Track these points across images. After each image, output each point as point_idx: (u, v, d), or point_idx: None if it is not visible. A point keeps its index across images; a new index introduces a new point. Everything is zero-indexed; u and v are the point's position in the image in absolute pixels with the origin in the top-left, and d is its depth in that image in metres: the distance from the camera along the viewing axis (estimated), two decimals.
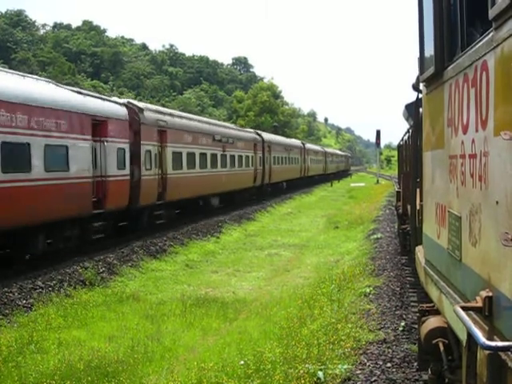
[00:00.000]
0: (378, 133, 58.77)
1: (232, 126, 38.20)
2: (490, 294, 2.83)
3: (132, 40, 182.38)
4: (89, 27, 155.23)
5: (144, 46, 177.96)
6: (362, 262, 14.40)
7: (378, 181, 62.72)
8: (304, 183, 55.15)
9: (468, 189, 3.34)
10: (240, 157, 31.19)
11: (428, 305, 4.86)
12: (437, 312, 4.53)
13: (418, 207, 7.15)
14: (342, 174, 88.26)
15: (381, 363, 7.12)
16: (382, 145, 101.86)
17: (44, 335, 9.39)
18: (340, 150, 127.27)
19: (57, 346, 8.95)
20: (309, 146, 59.99)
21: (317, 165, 62.93)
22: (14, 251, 13.86)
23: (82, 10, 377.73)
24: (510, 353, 2.44)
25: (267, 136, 40.13)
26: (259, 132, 38.82)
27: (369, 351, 7.59)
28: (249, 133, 36.30)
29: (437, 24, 4.19)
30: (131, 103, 19.69)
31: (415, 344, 7.08)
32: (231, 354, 8.14)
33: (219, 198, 28.63)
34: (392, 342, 7.92)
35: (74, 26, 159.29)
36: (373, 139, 70.59)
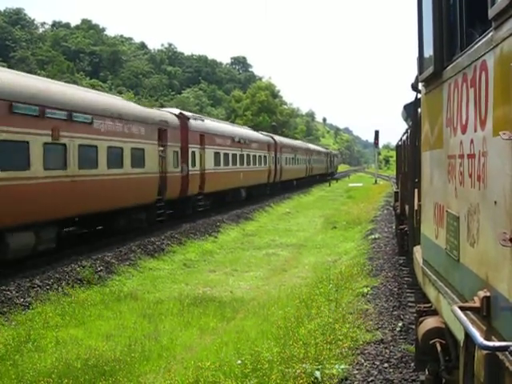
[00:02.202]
0: (377, 133, 58.79)
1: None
2: (488, 294, 2.82)
3: (131, 39, 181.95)
4: (88, 26, 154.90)
5: (143, 45, 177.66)
6: (360, 262, 14.41)
7: (376, 181, 62.75)
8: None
9: (466, 189, 3.33)
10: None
11: (425, 305, 4.86)
12: (434, 312, 4.53)
13: (416, 207, 7.14)
14: (317, 181, 63.51)
15: (378, 363, 7.12)
16: (381, 145, 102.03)
17: (41, 333, 9.38)
18: (338, 149, 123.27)
19: (54, 344, 8.94)
20: (215, 125, 29.68)
21: (250, 169, 34.00)
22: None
23: (80, 8, 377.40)
24: (507, 353, 2.43)
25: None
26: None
27: (366, 351, 7.58)
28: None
29: (436, 24, 4.18)
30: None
31: (412, 344, 7.07)
32: (228, 354, 8.13)
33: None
34: (389, 343, 7.91)
35: (72, 24, 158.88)
36: (371, 139, 70.56)
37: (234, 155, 31.09)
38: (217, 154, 27.80)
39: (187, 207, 24.65)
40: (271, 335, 8.83)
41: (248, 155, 34.01)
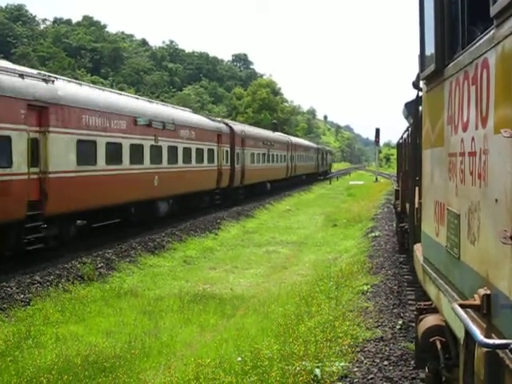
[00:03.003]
0: (378, 131, 58.61)
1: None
2: (488, 291, 2.82)
3: (132, 36, 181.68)
4: (89, 22, 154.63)
5: (144, 42, 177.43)
6: (360, 260, 14.42)
7: (376, 179, 62.71)
8: None
9: (467, 187, 3.33)
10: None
11: (426, 303, 4.87)
12: (434, 310, 4.53)
13: (416, 205, 7.14)
14: (304, 182, 55.19)
15: (378, 361, 7.13)
16: (382, 143, 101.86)
17: (41, 330, 9.39)
18: (339, 147, 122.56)
19: (54, 340, 8.95)
20: (85, 93, 16.38)
21: (177, 169, 22.52)
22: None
23: (82, 5, 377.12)
24: (507, 351, 2.43)
25: None
26: None
27: (366, 349, 7.59)
28: None
29: (437, 21, 4.18)
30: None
31: (412, 342, 7.08)
32: (228, 351, 8.14)
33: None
34: (389, 340, 7.92)
35: (74, 21, 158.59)
36: (372, 137, 70.21)
37: (138, 147, 19.09)
38: (87, 145, 15.96)
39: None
40: (271, 332, 8.84)
41: (172, 148, 21.95)
